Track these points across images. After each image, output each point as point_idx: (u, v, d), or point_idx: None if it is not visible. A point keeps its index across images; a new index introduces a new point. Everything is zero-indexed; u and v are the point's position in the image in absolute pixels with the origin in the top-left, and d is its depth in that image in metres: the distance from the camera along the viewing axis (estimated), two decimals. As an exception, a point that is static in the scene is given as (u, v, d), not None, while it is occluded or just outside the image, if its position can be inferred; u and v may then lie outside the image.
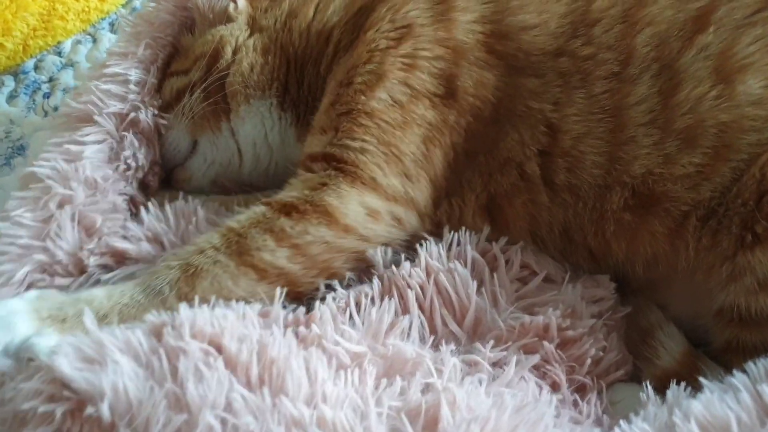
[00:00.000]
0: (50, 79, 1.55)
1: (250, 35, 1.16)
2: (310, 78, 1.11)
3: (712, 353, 0.93)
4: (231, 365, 0.71)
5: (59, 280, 0.92)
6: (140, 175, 1.11)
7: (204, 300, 0.81)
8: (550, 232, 0.99)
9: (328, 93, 1.04)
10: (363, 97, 0.98)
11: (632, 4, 0.99)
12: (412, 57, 1.00)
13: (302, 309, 0.86)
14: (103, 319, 0.82)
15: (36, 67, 1.57)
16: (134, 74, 1.14)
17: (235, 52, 1.14)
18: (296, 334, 0.80)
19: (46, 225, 0.94)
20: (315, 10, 1.15)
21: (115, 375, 0.67)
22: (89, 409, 0.66)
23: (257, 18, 1.18)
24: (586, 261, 1.00)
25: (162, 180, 1.17)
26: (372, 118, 0.97)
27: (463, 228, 0.98)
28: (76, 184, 0.98)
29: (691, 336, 0.97)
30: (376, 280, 0.92)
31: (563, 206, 0.97)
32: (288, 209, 0.92)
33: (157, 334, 0.74)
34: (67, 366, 0.69)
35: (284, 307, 0.85)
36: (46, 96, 1.51)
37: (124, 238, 0.99)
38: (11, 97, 1.52)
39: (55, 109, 1.48)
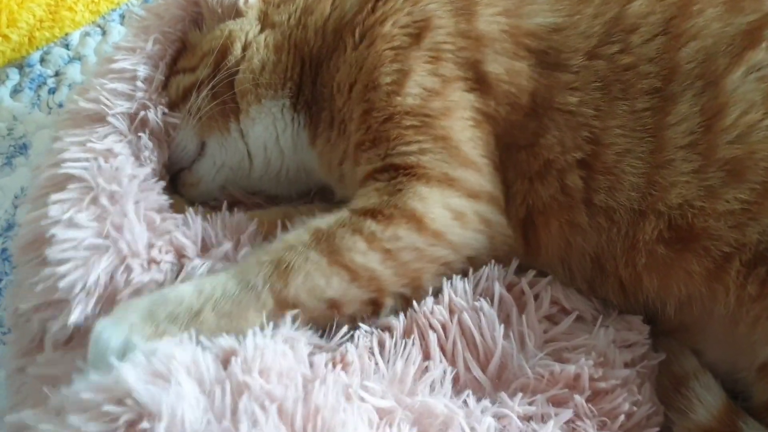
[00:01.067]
0: (56, 74, 1.49)
1: (261, 31, 1.10)
2: (324, 77, 1.05)
3: (753, 410, 0.86)
4: (284, 416, 0.69)
5: (137, 277, 0.87)
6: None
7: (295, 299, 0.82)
8: (582, 260, 0.93)
9: (356, 99, 0.98)
10: (398, 98, 0.94)
11: (674, 14, 0.94)
12: (435, 50, 0.96)
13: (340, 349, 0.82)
14: (196, 316, 0.80)
15: (42, 60, 1.51)
16: (142, 70, 1.08)
17: (244, 49, 1.08)
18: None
19: (102, 223, 0.88)
20: (332, 7, 1.08)
21: (177, 398, 0.66)
22: (144, 424, 0.65)
23: (269, 13, 1.12)
24: (615, 294, 0.94)
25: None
26: (415, 116, 0.93)
27: (492, 261, 0.92)
28: (126, 180, 0.93)
29: (728, 386, 0.91)
30: (401, 317, 0.87)
31: (598, 230, 0.91)
32: (374, 213, 0.88)
33: (225, 361, 0.73)
34: (133, 376, 0.68)
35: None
36: (52, 91, 1.46)
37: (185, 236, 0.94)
38: (15, 92, 1.47)
39: (60, 105, 1.42)
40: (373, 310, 0.88)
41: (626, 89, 0.91)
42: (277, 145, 1.09)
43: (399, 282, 0.87)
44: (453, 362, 0.85)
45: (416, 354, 0.83)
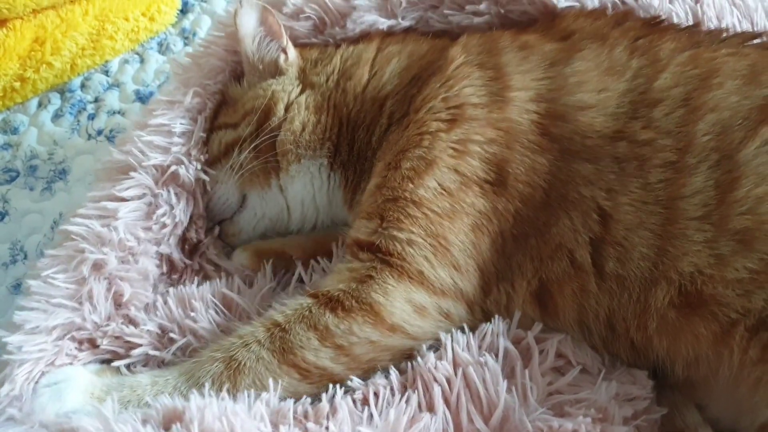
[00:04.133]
0: (96, 99, 1.55)
1: (302, 91, 1.14)
2: (361, 143, 1.09)
3: (752, 467, 0.89)
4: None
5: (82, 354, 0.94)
6: (179, 231, 1.10)
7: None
8: (596, 320, 0.95)
9: (376, 173, 1.02)
10: (411, 185, 0.96)
11: (696, 86, 0.95)
12: (464, 142, 0.97)
13: (308, 401, 0.86)
14: (145, 407, 0.84)
15: (82, 86, 1.58)
16: (179, 126, 1.12)
17: (287, 110, 1.12)
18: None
19: (80, 287, 0.95)
20: (370, 75, 1.12)
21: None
22: None
23: (308, 72, 1.16)
24: (627, 353, 0.96)
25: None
26: (420, 208, 0.95)
27: (497, 317, 0.95)
28: (109, 249, 0.98)
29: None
30: (393, 371, 0.90)
31: (609, 295, 0.93)
32: (334, 305, 0.91)
33: (166, 425, 0.77)
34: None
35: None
36: (91, 117, 1.52)
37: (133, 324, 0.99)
38: (56, 116, 1.53)
39: (99, 132, 1.49)
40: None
41: (641, 165, 0.92)
42: (313, 202, 1.14)
43: (352, 373, 0.90)
44: (456, 414, 0.88)
45: (410, 405, 0.85)
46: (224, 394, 0.84)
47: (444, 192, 0.95)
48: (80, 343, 0.95)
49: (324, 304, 0.91)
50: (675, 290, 0.90)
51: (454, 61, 1.06)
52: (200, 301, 1.02)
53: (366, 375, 0.91)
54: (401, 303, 0.91)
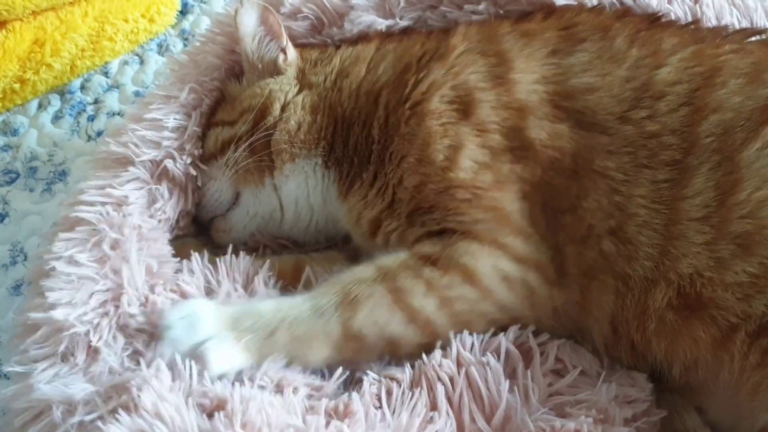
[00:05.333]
0: (95, 101, 1.55)
1: (299, 91, 1.14)
2: (357, 138, 1.09)
3: (752, 471, 0.89)
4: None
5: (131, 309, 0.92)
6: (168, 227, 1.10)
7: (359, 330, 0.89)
8: (604, 320, 0.96)
9: (407, 170, 1.01)
10: (451, 173, 0.97)
11: (699, 85, 0.95)
12: (482, 123, 0.99)
13: (343, 397, 0.87)
14: (271, 334, 0.87)
15: (82, 87, 1.57)
16: (172, 121, 1.12)
17: (283, 109, 1.12)
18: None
19: (102, 265, 0.94)
20: (366, 69, 1.12)
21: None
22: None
23: (306, 72, 1.16)
24: (627, 355, 0.96)
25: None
26: (468, 189, 0.97)
27: None
28: (129, 230, 0.98)
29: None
30: (408, 368, 0.91)
31: (616, 294, 0.94)
32: (434, 260, 0.93)
33: (210, 414, 0.80)
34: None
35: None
36: (91, 119, 1.52)
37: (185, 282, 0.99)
38: (56, 118, 1.53)
39: (99, 133, 1.49)
40: (424, 352, 0.92)
41: (651, 157, 0.93)
42: (307, 202, 1.14)
43: (451, 330, 0.92)
44: (459, 413, 0.88)
45: (421, 406, 0.86)
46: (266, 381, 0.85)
47: (482, 166, 0.97)
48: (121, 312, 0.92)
49: (424, 259, 0.93)
50: (673, 291, 0.90)
51: (455, 49, 1.06)
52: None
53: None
54: (489, 268, 0.92)
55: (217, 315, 0.88)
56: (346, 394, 0.88)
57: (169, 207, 1.09)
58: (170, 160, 1.10)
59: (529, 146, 0.98)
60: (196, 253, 1.04)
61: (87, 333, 0.89)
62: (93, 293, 0.92)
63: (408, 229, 1.01)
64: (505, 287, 0.93)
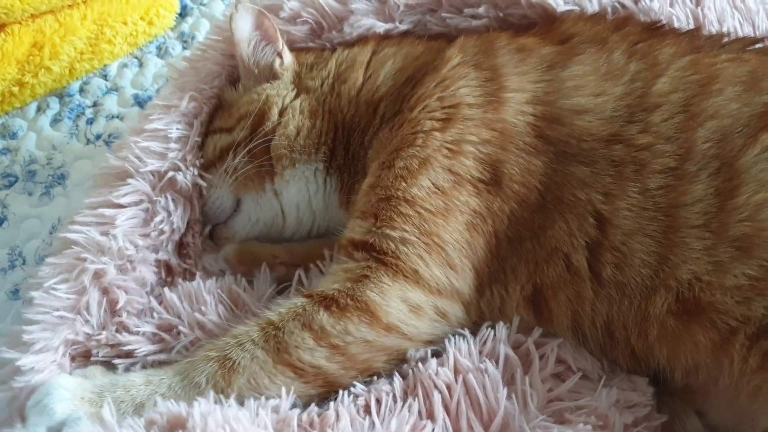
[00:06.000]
0: (94, 104, 1.55)
1: (297, 96, 1.14)
2: (356, 146, 1.09)
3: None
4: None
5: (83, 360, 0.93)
6: (176, 237, 1.09)
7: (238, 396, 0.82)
8: (593, 328, 0.95)
9: (370, 173, 1.01)
10: (404, 184, 0.95)
11: (695, 92, 0.94)
12: (458, 143, 0.97)
13: (315, 408, 0.85)
14: (139, 408, 0.84)
15: (81, 90, 1.57)
16: (175, 131, 1.12)
17: (281, 114, 1.12)
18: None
19: (81, 297, 0.94)
20: (364, 78, 1.12)
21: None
22: None
23: (303, 77, 1.15)
24: (626, 360, 0.96)
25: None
26: (413, 207, 0.94)
27: (501, 323, 0.94)
28: (108, 258, 0.98)
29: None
30: (397, 377, 0.90)
31: (608, 301, 0.93)
32: (328, 303, 0.90)
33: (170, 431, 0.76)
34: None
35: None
36: (90, 122, 1.51)
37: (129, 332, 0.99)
38: (55, 121, 1.53)
39: (98, 137, 1.49)
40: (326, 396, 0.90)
41: (639, 169, 0.92)
42: (309, 207, 1.13)
43: (348, 374, 0.90)
44: (456, 421, 0.87)
45: (413, 413, 0.85)
46: (232, 401, 0.83)
47: (438, 191, 0.95)
48: (73, 358, 0.94)
49: (318, 303, 0.90)
50: (672, 297, 0.89)
51: (450, 61, 1.05)
52: (210, 295, 1.02)
53: (362, 375, 0.90)
54: (397, 302, 0.91)
55: (75, 392, 0.85)
56: (333, 403, 0.86)
57: (176, 218, 1.08)
58: (177, 172, 1.09)
59: (499, 181, 0.96)
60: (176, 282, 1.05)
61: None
62: (59, 344, 0.93)
63: (344, 230, 0.99)
64: (414, 317, 0.91)
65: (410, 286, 0.92)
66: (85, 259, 0.97)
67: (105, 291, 0.97)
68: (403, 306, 0.91)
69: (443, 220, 0.94)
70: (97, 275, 0.97)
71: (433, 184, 0.95)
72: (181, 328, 0.98)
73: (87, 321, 0.95)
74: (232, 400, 0.83)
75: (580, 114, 0.96)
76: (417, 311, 0.91)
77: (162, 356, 0.97)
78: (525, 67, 1.02)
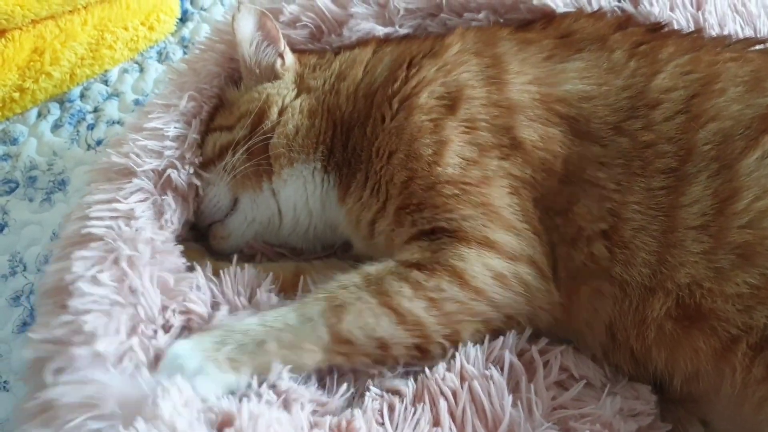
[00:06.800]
0: (95, 109, 1.54)
1: (297, 95, 1.13)
2: (356, 140, 1.08)
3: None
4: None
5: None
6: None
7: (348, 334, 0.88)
8: (600, 326, 0.95)
9: (396, 166, 1.00)
10: (438, 168, 0.97)
11: (696, 91, 0.95)
12: (470, 120, 0.99)
13: (345, 413, 0.87)
14: (260, 345, 0.87)
15: (82, 96, 1.57)
16: (173, 130, 1.11)
17: (280, 113, 1.12)
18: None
19: (122, 284, 0.93)
20: (363, 72, 1.12)
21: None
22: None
23: (305, 77, 1.15)
24: (627, 363, 0.96)
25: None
26: (455, 185, 0.96)
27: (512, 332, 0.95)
28: (143, 245, 0.96)
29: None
30: (411, 382, 0.90)
31: (613, 300, 0.93)
32: (418, 266, 0.92)
33: (220, 428, 0.80)
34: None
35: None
36: (90, 128, 1.51)
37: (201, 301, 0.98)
38: (56, 127, 1.52)
39: (99, 142, 1.48)
40: (419, 356, 0.92)
41: (644, 166, 0.93)
42: (306, 205, 1.13)
43: (441, 331, 0.91)
44: (462, 428, 0.87)
45: (424, 422, 0.86)
46: (272, 396, 0.85)
47: (470, 162, 0.97)
48: (149, 338, 0.90)
49: (409, 266, 0.92)
50: (672, 301, 0.89)
51: (450, 48, 1.06)
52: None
53: (450, 340, 0.92)
54: (480, 267, 0.92)
55: (195, 349, 0.87)
56: (349, 410, 0.87)
57: (176, 218, 1.08)
58: (173, 170, 1.09)
59: (519, 145, 0.97)
60: (200, 266, 1.03)
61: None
62: (121, 321, 0.90)
63: (396, 229, 1.00)
64: (498, 285, 0.92)
65: (486, 251, 0.93)
66: (117, 248, 0.95)
67: (150, 275, 0.95)
68: (486, 272, 0.92)
69: (486, 189, 0.96)
70: (132, 262, 0.95)
71: (461, 158, 0.97)
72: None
73: (149, 301, 0.93)
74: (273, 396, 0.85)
75: (586, 99, 0.98)
76: (501, 279, 0.92)
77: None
78: (525, 54, 1.04)
